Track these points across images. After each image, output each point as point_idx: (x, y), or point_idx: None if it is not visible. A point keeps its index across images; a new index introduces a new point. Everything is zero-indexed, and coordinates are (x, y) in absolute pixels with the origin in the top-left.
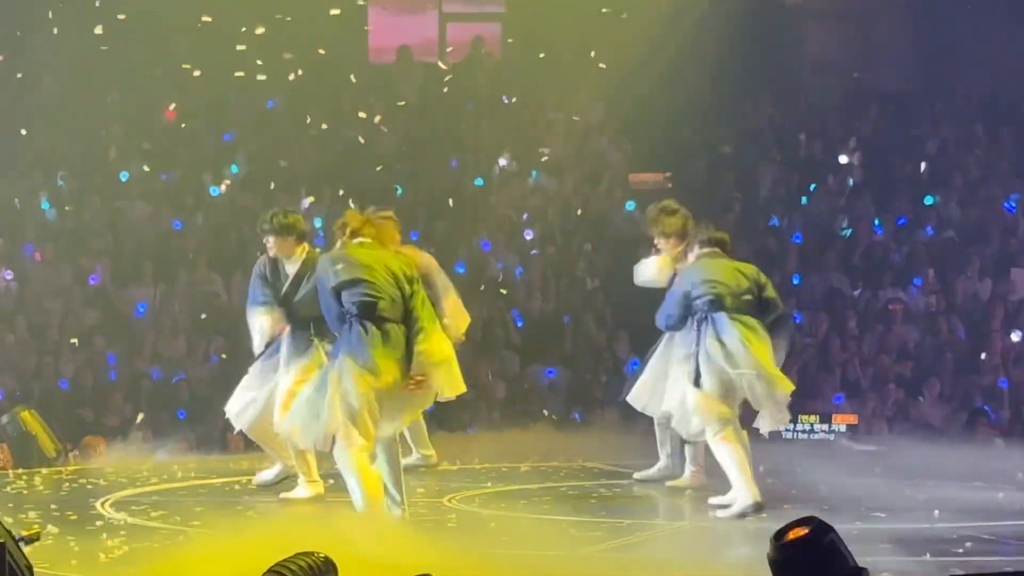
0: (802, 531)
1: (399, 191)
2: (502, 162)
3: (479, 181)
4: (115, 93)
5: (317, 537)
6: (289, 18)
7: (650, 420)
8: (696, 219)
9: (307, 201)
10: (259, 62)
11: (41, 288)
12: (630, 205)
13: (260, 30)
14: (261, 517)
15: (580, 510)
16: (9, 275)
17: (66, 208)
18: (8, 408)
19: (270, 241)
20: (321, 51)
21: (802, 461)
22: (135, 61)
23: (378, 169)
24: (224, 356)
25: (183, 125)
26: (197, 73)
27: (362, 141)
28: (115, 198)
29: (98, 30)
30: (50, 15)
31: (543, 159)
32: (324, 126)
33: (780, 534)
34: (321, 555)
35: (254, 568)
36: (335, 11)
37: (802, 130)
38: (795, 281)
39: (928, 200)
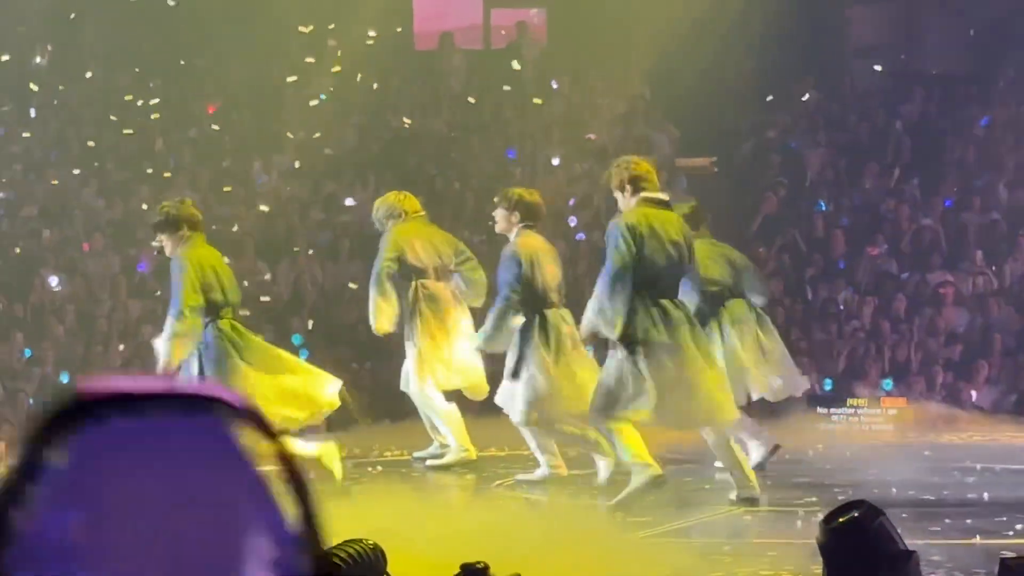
0: (851, 515)
1: (445, 179)
2: (549, 152)
3: (526, 168)
4: (159, 80)
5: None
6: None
7: None
8: (742, 202)
9: (350, 200)
10: (309, 59)
11: (88, 279)
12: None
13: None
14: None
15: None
16: (54, 280)
17: (114, 198)
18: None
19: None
20: (370, 36)
21: (851, 444)
22: (181, 50)
23: (424, 157)
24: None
25: (226, 117)
26: (242, 61)
27: (407, 127)
28: (163, 187)
29: (142, 17)
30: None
31: (589, 145)
32: (370, 115)
33: (829, 518)
34: (370, 543)
35: None
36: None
37: (849, 113)
38: (841, 265)
39: (976, 182)
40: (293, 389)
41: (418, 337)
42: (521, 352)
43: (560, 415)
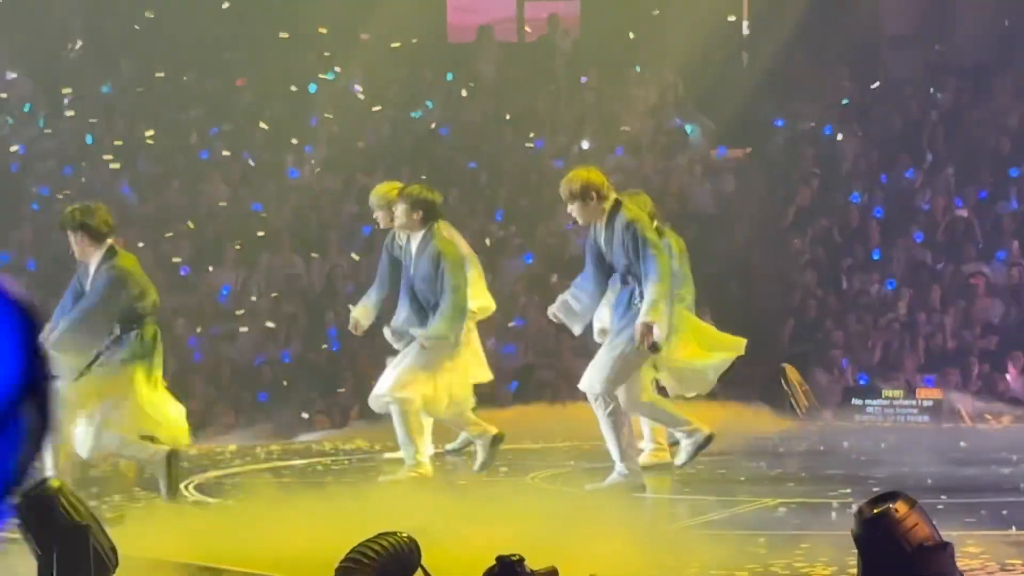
0: (885, 506)
1: (478, 171)
2: (583, 143)
3: (559, 160)
4: (193, 73)
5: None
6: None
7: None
8: (775, 194)
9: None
10: (342, 53)
11: None
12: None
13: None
14: (345, 498)
15: (661, 488)
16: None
17: (147, 192)
18: None
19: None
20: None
21: (886, 436)
22: (215, 44)
23: (457, 150)
24: (305, 338)
25: (258, 112)
26: (276, 55)
27: (433, 124)
28: (196, 181)
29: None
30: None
31: (622, 136)
32: (401, 106)
33: (864, 509)
34: (405, 535)
35: (338, 548)
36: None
37: (883, 104)
38: (875, 256)
39: (1011, 172)
40: None
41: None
42: None
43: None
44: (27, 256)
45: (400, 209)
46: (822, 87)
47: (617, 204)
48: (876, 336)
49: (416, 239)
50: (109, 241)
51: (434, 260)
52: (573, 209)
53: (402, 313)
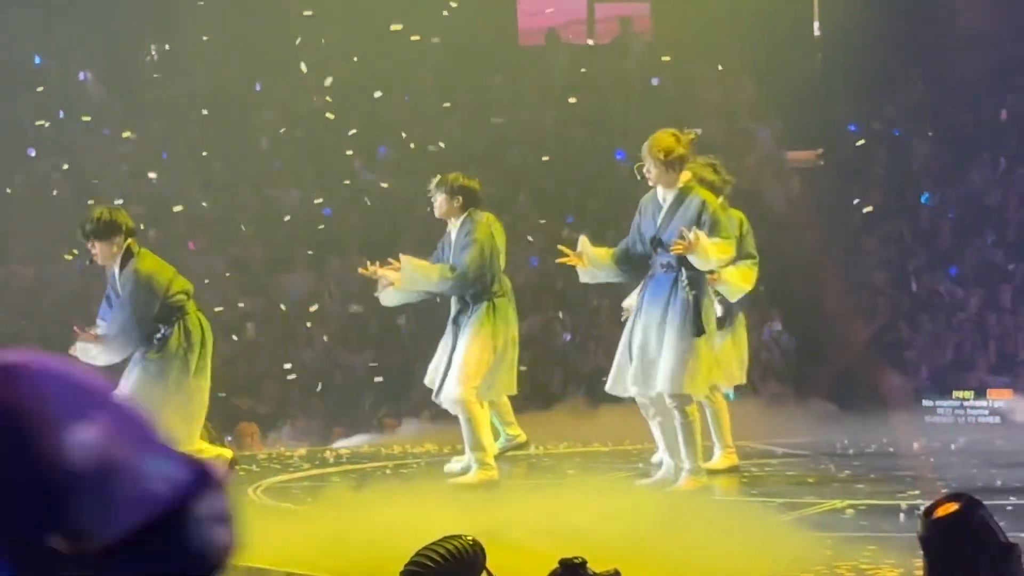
0: (951, 507)
1: (549, 175)
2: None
3: (627, 161)
4: (267, 79)
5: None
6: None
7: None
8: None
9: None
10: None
11: (193, 277)
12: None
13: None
14: (412, 501)
15: (729, 490)
16: None
17: (217, 197)
18: None
19: None
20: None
21: (955, 437)
22: (282, 50)
23: (528, 152)
24: (376, 341)
25: (330, 115)
26: (348, 60)
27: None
28: (266, 186)
29: (245, 17)
30: (200, 4)
31: (694, 139)
32: (472, 110)
33: (929, 511)
34: (469, 538)
35: (404, 551)
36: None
37: (954, 104)
38: (946, 256)
39: None
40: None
41: None
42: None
43: None
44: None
45: (440, 198)
46: (894, 88)
47: (689, 183)
48: (947, 337)
49: (455, 226)
50: (128, 242)
51: (469, 239)
52: (650, 168)
53: (454, 306)
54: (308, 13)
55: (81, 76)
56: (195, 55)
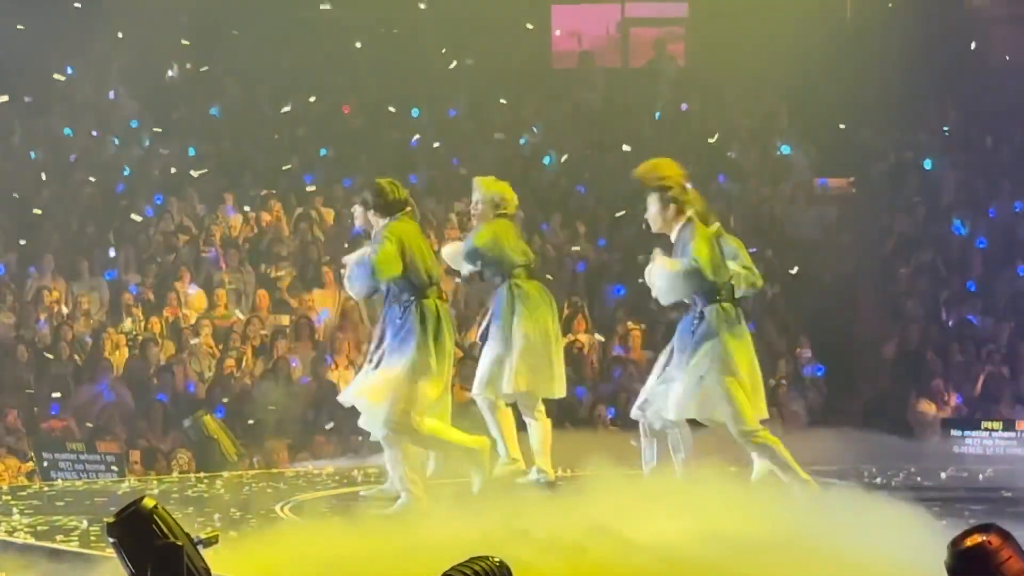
0: (980, 538)
1: (583, 197)
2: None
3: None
4: (298, 95)
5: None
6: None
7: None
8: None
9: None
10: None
11: (226, 293)
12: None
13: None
14: (440, 520)
15: None
16: (193, 290)
17: (249, 213)
18: (191, 412)
19: None
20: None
21: (984, 467)
22: (315, 66)
23: (561, 175)
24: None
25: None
26: (378, 79)
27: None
28: (297, 203)
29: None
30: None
31: (726, 164)
32: (506, 132)
33: (958, 541)
34: (496, 559)
35: (431, 572)
36: (529, 25)
37: (987, 134)
38: (970, 287)
39: None
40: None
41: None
42: None
43: None
44: (131, 275)
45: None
46: (926, 116)
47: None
48: (976, 367)
49: None
50: (402, 212)
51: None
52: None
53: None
54: (358, 45)
55: (111, 95)
56: (227, 71)
